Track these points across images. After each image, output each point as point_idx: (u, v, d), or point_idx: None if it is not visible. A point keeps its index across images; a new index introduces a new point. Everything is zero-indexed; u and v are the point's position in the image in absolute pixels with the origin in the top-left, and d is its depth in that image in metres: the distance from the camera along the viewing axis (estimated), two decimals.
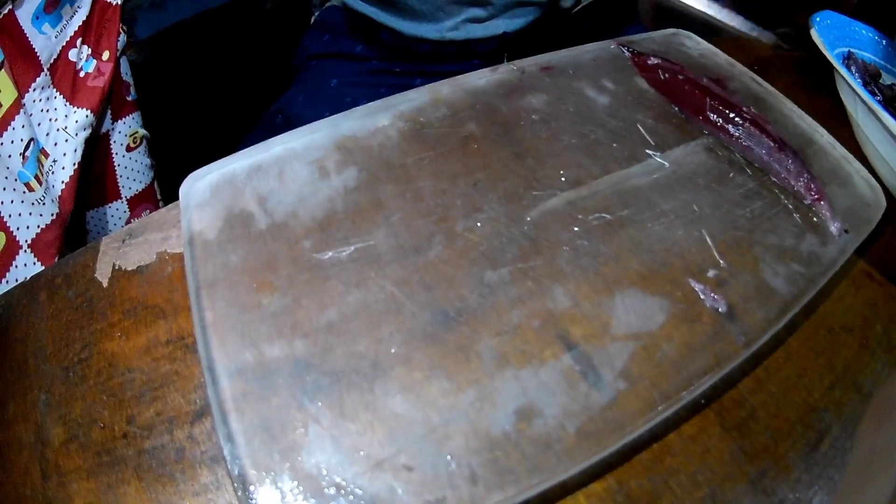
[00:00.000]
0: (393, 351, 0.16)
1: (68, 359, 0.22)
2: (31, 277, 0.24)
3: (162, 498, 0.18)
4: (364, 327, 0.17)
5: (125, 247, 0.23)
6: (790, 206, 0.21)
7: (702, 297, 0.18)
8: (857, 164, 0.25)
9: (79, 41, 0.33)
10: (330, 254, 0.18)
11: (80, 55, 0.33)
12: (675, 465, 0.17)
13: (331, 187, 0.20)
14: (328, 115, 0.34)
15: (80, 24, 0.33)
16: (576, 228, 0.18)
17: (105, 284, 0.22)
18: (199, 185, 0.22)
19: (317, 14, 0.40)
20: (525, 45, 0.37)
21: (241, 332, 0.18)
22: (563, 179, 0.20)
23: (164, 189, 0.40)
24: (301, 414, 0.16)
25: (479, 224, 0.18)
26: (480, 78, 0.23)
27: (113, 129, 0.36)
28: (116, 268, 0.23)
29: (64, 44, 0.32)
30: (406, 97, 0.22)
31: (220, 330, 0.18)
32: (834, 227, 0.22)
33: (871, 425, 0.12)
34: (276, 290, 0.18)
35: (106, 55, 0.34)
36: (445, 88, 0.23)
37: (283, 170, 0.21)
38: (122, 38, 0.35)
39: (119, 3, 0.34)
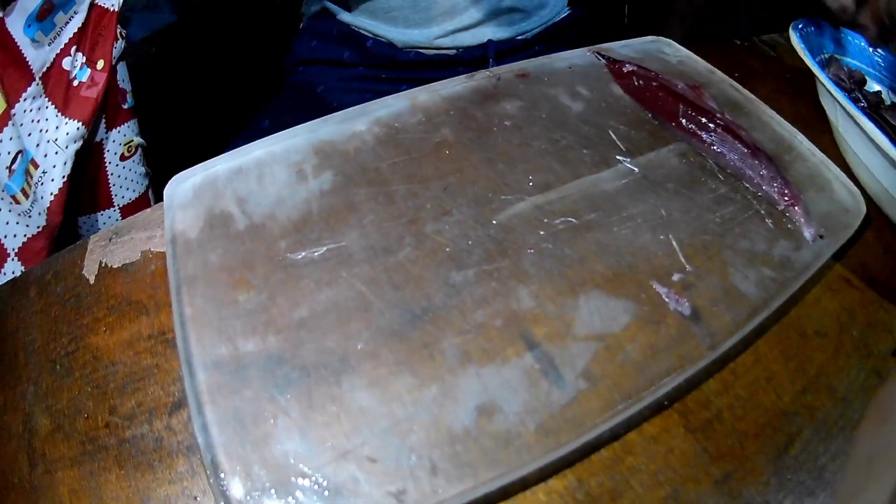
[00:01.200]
0: (360, 347, 0.17)
1: (56, 352, 0.23)
2: (22, 273, 0.26)
3: (140, 485, 0.19)
4: (334, 324, 0.18)
5: (112, 245, 0.25)
6: (763, 212, 0.22)
7: (666, 300, 0.19)
8: (837, 170, 0.25)
9: (73, 49, 0.34)
10: (303, 254, 0.19)
11: (75, 63, 0.34)
12: (637, 464, 0.17)
13: (307, 190, 0.21)
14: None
15: (76, 30, 0.34)
16: (542, 232, 0.19)
17: (92, 281, 0.24)
18: (182, 186, 0.23)
19: (305, 21, 0.42)
20: (510, 55, 0.39)
21: (218, 328, 0.19)
22: (531, 184, 0.21)
23: (154, 190, 0.41)
24: (272, 406, 0.17)
25: (447, 226, 0.20)
26: (457, 84, 0.24)
27: (107, 137, 0.37)
28: (103, 265, 0.24)
29: (58, 52, 0.33)
30: (384, 103, 0.24)
31: (199, 325, 0.19)
32: (808, 233, 0.22)
33: (870, 427, 0.13)
34: (253, 287, 0.20)
35: (101, 64, 0.35)
36: (422, 95, 0.24)
37: (263, 173, 0.22)
38: (120, 43, 0.37)
39: (116, 9, 0.35)
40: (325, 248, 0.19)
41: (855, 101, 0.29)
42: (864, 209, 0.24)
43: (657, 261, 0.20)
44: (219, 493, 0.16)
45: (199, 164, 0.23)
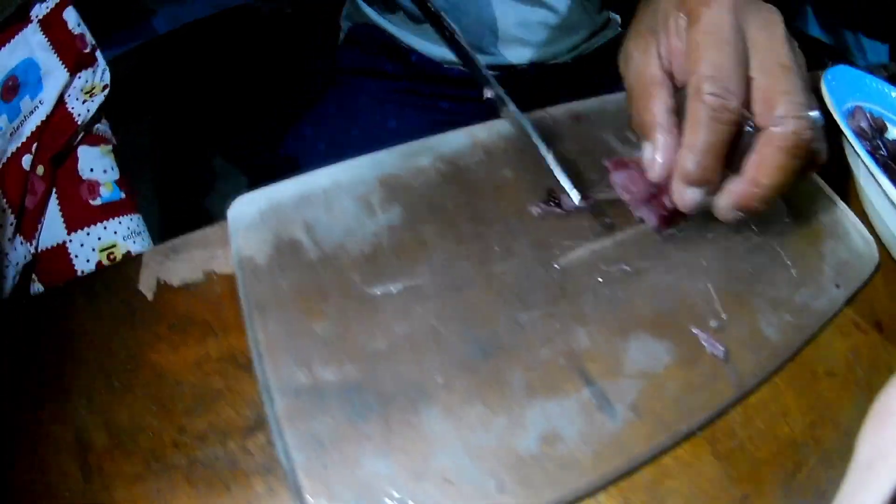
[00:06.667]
0: (436, 378, 0.21)
1: (112, 367, 0.26)
2: (66, 283, 0.29)
3: (215, 503, 0.22)
4: (410, 356, 0.22)
5: (169, 261, 0.28)
6: (788, 262, 0.27)
7: (703, 343, 0.24)
8: (854, 219, 0.31)
9: (34, 146, 0.32)
10: (380, 288, 0.23)
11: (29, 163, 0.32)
12: (673, 486, 0.22)
13: (376, 223, 0.25)
14: (357, 132, 0.39)
15: (38, 125, 0.32)
16: (599, 278, 0.24)
17: (150, 297, 0.27)
18: (246, 209, 0.26)
19: (347, 30, 0.44)
20: (552, 77, 0.42)
21: (295, 355, 0.23)
22: (589, 231, 0.25)
23: (174, 182, 0.43)
24: (352, 430, 0.21)
25: (513, 267, 0.24)
26: (513, 123, 0.28)
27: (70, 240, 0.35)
28: (161, 282, 0.27)
29: (18, 146, 0.32)
30: (444, 139, 0.27)
31: (275, 351, 0.23)
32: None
33: (871, 431, 0.15)
34: (327, 317, 0.23)
35: (41, 170, 0.33)
36: (482, 132, 0.28)
37: (330, 202, 0.26)
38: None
39: (81, 122, 0.33)
40: (401, 286, 0.23)
41: (875, 149, 0.35)
42: (877, 257, 0.29)
43: (696, 308, 0.24)
44: None
45: (262, 188, 0.26)
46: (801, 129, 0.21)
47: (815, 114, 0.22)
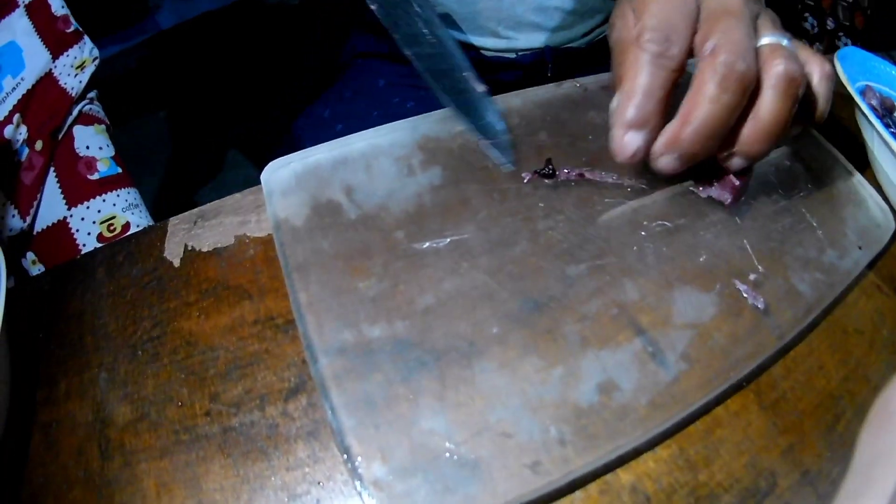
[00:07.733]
0: (492, 331, 0.22)
1: (136, 337, 0.25)
2: (85, 254, 0.28)
3: (251, 473, 0.22)
4: (461, 311, 0.22)
5: (197, 229, 0.27)
6: (814, 224, 0.29)
7: (745, 295, 0.25)
8: (871, 189, 0.33)
9: (16, 117, 0.32)
10: (427, 244, 0.23)
11: (18, 136, 0.33)
12: (724, 435, 0.23)
13: (417, 184, 0.26)
14: (377, 113, 0.39)
15: (21, 97, 0.33)
16: (642, 233, 0.25)
17: (177, 264, 0.26)
18: (281, 173, 0.26)
19: (361, 16, 0.45)
20: (568, 61, 0.44)
21: (339, 314, 0.23)
22: (629, 189, 0.26)
23: (184, 173, 0.43)
24: (404, 388, 0.21)
25: (559, 224, 0.25)
26: (547, 92, 0.29)
27: (70, 214, 0.35)
28: (189, 248, 0.27)
29: (1, 119, 0.32)
30: None
31: (318, 311, 0.23)
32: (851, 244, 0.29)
33: (872, 431, 0.15)
34: (372, 275, 0.23)
35: (39, 145, 0.34)
36: (516, 100, 0.29)
37: (369, 164, 0.26)
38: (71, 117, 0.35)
39: (74, 95, 0.34)
40: (448, 240, 0.24)
41: (886, 126, 0.37)
42: (893, 225, 0.32)
43: (735, 262, 0.26)
44: (355, 476, 0.20)
45: (297, 153, 0.27)
46: (730, 60, 0.21)
47: (757, 42, 0.22)
